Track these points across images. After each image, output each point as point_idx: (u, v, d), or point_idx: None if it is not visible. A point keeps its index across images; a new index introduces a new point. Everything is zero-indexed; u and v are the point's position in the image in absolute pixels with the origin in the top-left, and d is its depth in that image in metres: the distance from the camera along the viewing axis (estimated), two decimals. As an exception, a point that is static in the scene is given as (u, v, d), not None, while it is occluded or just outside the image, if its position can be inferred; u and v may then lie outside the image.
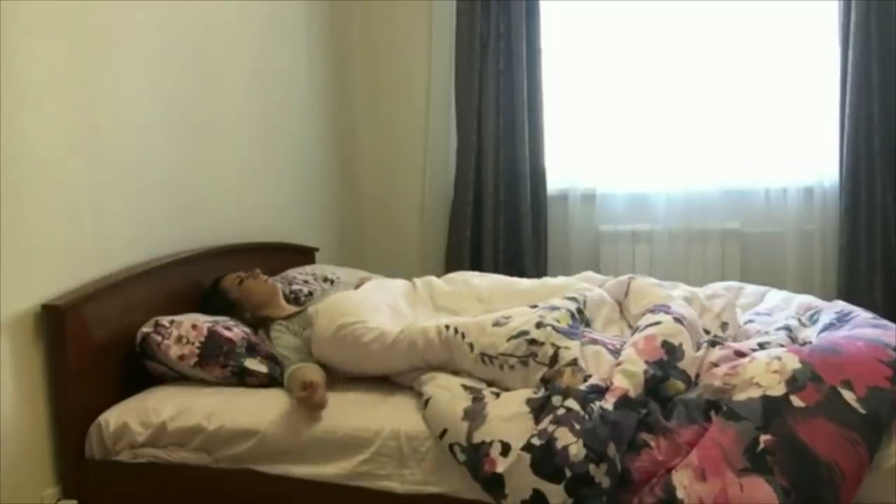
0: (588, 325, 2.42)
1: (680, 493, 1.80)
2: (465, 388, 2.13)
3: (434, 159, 4.15)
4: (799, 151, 3.77)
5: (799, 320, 2.48)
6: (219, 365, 2.39)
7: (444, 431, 2.01)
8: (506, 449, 1.90)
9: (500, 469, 1.88)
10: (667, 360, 2.10)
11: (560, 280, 2.80)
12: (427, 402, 2.11)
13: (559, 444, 1.86)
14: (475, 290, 2.78)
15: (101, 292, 2.34)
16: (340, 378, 2.36)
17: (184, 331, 2.41)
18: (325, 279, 3.13)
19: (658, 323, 2.23)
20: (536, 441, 1.89)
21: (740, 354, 2.13)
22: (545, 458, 1.86)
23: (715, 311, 2.49)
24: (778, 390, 1.91)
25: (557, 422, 1.92)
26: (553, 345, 2.15)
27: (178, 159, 2.83)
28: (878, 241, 3.58)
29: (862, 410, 1.84)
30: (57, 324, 2.19)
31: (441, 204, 4.13)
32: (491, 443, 1.92)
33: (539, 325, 2.21)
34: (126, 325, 2.41)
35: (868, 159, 3.58)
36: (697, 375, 2.11)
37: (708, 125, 3.83)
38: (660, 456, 1.89)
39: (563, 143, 4.02)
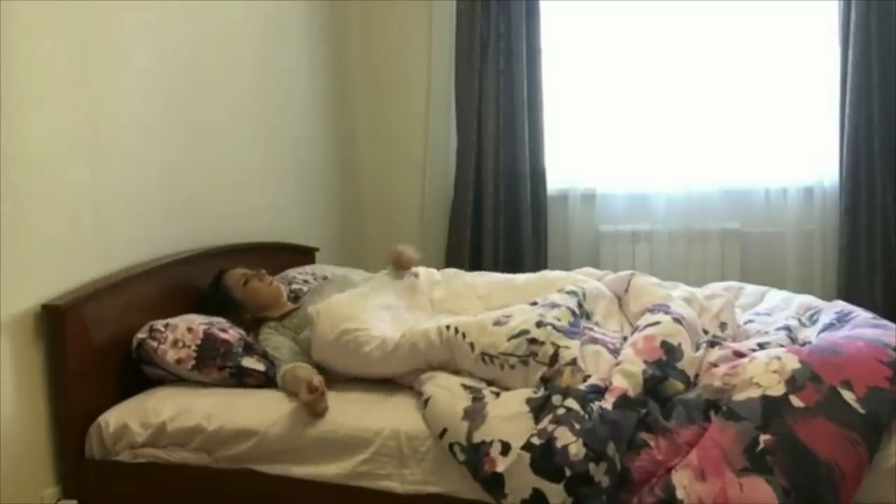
0: (588, 317, 2.42)
1: (680, 493, 1.80)
2: (465, 387, 2.13)
3: (434, 159, 4.16)
4: (799, 151, 3.78)
5: (799, 320, 2.48)
6: (216, 367, 2.38)
7: (444, 431, 2.01)
8: (506, 448, 1.90)
9: (500, 468, 1.88)
10: (666, 360, 2.10)
11: (558, 273, 2.81)
12: (427, 401, 2.11)
13: (559, 444, 1.86)
14: (473, 287, 2.78)
15: (101, 292, 2.34)
16: (340, 378, 2.35)
17: (179, 334, 2.40)
18: (325, 279, 3.13)
19: (657, 323, 2.23)
20: (536, 440, 1.89)
21: (739, 355, 2.13)
22: (545, 458, 1.86)
23: (713, 311, 2.49)
24: (777, 390, 1.91)
25: (557, 421, 1.92)
26: (553, 344, 2.15)
27: (178, 159, 2.83)
28: (878, 241, 3.59)
29: (862, 410, 1.84)
30: (57, 324, 2.19)
31: (441, 204, 4.13)
32: (491, 442, 1.92)
33: (539, 325, 2.21)
34: (126, 326, 2.41)
35: (868, 159, 3.58)
36: (697, 376, 2.11)
37: (708, 125, 3.83)
38: (659, 455, 1.89)
39: (563, 143, 4.02)
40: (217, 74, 3.07)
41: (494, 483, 1.89)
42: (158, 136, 2.73)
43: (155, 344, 2.37)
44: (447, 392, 2.11)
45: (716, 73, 3.80)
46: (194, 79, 2.93)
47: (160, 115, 2.74)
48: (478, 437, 1.95)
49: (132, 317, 2.44)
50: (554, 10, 3.96)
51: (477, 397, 2.08)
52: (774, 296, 2.78)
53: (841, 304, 2.49)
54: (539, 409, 1.99)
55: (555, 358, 2.12)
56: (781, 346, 2.18)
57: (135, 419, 2.24)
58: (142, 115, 2.65)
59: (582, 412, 1.93)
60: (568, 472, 1.83)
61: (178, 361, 2.36)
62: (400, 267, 2.79)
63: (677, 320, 2.25)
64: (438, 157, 4.15)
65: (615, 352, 2.21)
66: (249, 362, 2.41)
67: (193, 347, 2.38)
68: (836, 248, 3.70)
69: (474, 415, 2.00)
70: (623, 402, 1.96)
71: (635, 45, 3.88)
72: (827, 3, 3.64)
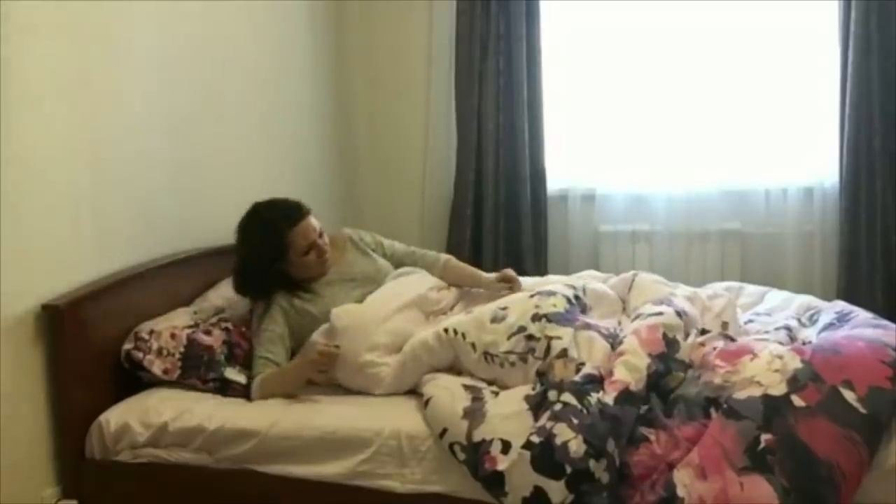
0: (584, 311, 2.42)
1: (681, 492, 1.80)
2: (466, 387, 2.14)
3: (434, 159, 4.15)
4: (799, 152, 3.77)
5: (799, 320, 2.48)
6: (200, 380, 2.37)
7: (444, 431, 2.01)
8: (506, 447, 1.91)
9: (500, 467, 1.89)
10: (667, 352, 2.11)
11: (560, 278, 2.81)
12: (427, 401, 2.11)
13: (559, 441, 1.87)
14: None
15: (101, 292, 2.34)
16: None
17: (163, 342, 2.36)
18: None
19: (661, 314, 2.24)
20: (536, 438, 1.89)
21: (729, 339, 2.20)
22: (545, 455, 1.86)
23: (715, 310, 2.48)
24: (779, 389, 1.91)
25: (556, 418, 1.92)
26: (546, 336, 2.16)
27: (178, 159, 2.83)
28: (878, 242, 3.58)
29: (862, 410, 1.84)
30: (57, 324, 2.18)
31: (441, 204, 4.12)
32: (491, 441, 1.93)
33: (535, 318, 2.22)
34: (126, 326, 2.41)
35: (868, 159, 3.57)
36: (692, 362, 2.13)
37: (708, 125, 3.82)
38: (659, 450, 1.89)
39: (563, 143, 4.01)
40: (217, 75, 3.07)
41: (495, 482, 1.89)
42: (158, 136, 2.72)
43: (140, 355, 2.34)
44: (447, 392, 2.12)
45: (716, 74, 3.79)
46: (194, 79, 2.93)
47: (160, 115, 2.74)
48: (478, 436, 1.95)
49: (132, 317, 2.43)
50: (554, 10, 3.95)
51: (477, 397, 2.08)
52: (774, 296, 2.78)
53: (841, 305, 2.50)
54: (537, 406, 1.99)
55: (548, 351, 2.13)
56: (781, 345, 2.19)
57: (136, 419, 2.24)
58: (142, 116, 2.65)
59: (579, 406, 1.94)
60: (568, 469, 1.84)
61: (165, 372, 2.35)
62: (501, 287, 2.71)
63: (679, 314, 2.26)
64: (438, 157, 4.14)
65: (609, 337, 2.21)
66: (231, 374, 2.40)
67: (178, 356, 2.36)
68: (836, 248, 3.69)
69: (474, 414, 2.01)
70: (625, 396, 1.96)
71: (635, 45, 3.87)
72: (827, 3, 3.64)
